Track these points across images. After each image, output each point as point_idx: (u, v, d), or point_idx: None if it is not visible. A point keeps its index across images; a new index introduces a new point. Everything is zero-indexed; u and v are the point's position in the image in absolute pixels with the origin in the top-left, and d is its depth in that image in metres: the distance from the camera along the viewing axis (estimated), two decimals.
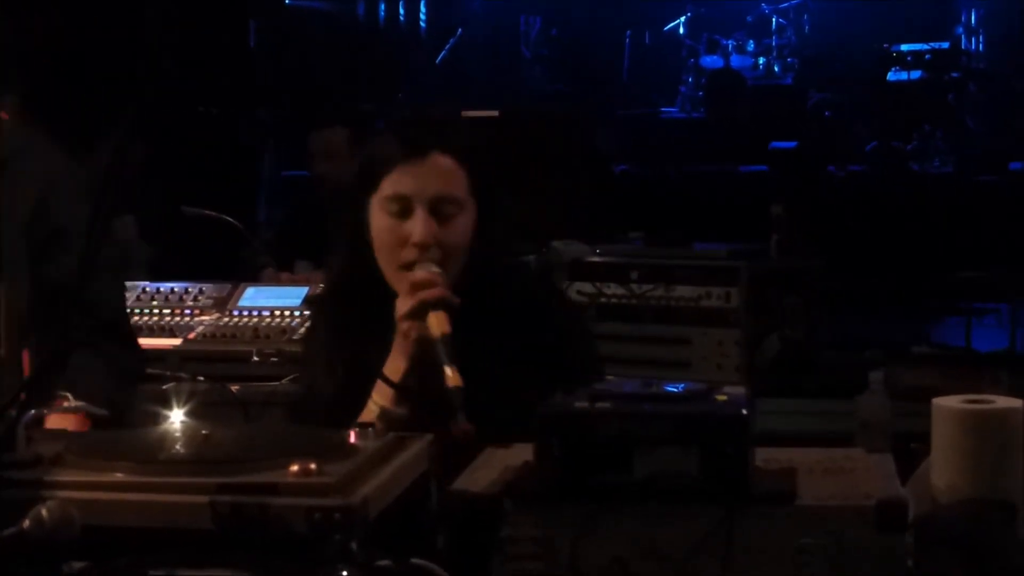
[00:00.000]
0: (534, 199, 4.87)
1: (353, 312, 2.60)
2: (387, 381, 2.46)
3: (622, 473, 1.78)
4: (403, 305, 2.46)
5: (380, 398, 2.47)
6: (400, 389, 2.46)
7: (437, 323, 2.41)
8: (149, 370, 3.84)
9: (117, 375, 3.04)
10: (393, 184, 2.53)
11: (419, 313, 2.43)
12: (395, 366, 2.48)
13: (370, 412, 2.46)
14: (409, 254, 2.50)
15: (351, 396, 2.51)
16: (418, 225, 2.50)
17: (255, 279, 4.78)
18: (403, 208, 2.52)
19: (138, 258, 4.62)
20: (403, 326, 2.46)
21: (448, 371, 2.34)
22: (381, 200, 2.54)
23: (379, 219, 2.55)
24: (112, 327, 3.04)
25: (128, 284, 4.24)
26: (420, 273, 2.47)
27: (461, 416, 2.30)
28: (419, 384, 2.46)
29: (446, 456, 1.96)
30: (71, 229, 2.90)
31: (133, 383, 3.17)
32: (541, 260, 4.47)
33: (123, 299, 3.22)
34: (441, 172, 2.54)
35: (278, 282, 4.65)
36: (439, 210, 2.52)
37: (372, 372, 2.49)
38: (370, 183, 2.57)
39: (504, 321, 2.54)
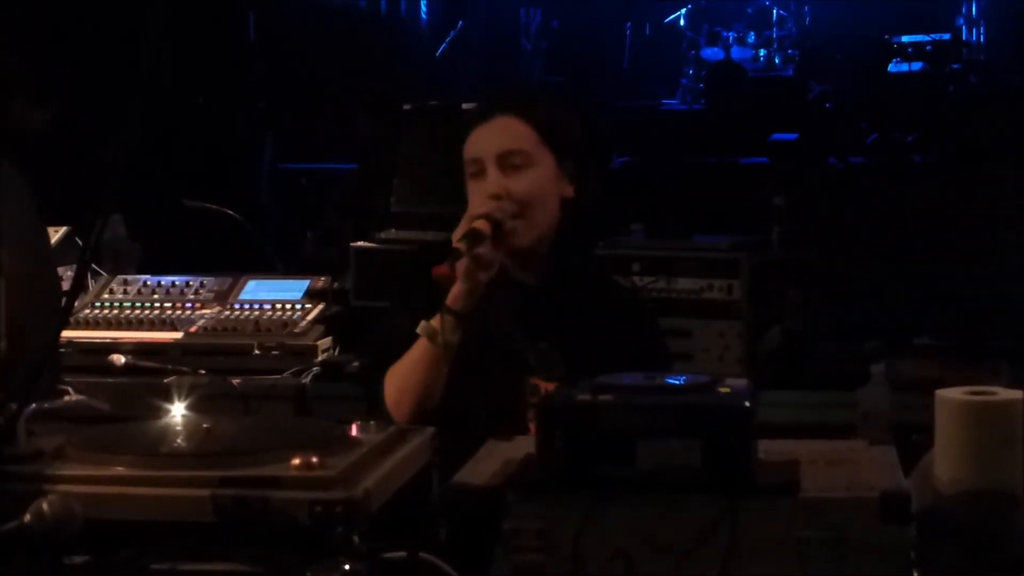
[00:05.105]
0: None
1: None
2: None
3: (625, 465, 1.78)
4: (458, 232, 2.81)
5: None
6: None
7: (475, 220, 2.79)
8: (151, 363, 3.85)
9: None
10: (468, 150, 2.91)
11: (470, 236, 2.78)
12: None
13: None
14: (486, 205, 2.82)
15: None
16: (488, 180, 2.85)
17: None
18: (479, 169, 2.88)
19: (128, 257, 4.60)
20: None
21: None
22: (466, 166, 2.90)
23: (469, 185, 2.90)
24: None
25: (128, 278, 4.25)
26: (482, 208, 2.81)
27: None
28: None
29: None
30: None
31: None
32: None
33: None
34: (505, 130, 2.89)
35: None
36: (507, 163, 2.86)
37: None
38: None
39: (586, 305, 2.88)
